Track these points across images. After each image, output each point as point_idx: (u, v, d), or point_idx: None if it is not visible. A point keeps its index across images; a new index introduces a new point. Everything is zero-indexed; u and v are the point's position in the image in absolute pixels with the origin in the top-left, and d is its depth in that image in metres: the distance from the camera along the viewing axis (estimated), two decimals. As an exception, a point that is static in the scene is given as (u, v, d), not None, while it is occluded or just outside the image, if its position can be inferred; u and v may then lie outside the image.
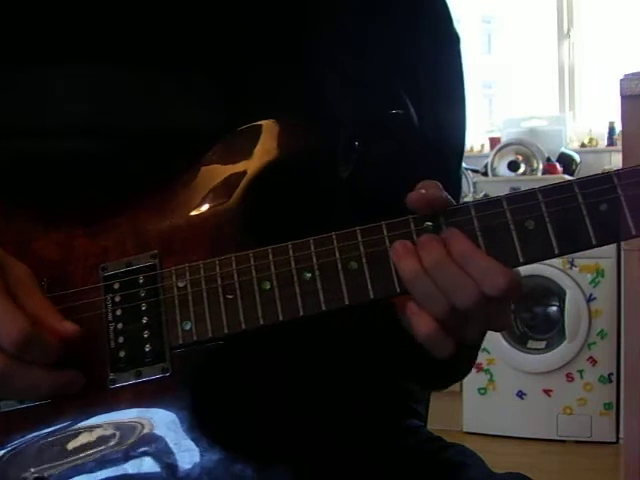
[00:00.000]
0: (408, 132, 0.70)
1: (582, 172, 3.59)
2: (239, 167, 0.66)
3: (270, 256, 0.62)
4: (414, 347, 0.64)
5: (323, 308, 0.61)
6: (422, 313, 0.60)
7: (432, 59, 0.81)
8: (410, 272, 0.60)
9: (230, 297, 0.62)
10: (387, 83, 0.75)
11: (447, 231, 0.60)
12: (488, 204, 0.61)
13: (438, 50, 0.81)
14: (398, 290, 0.61)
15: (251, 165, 0.66)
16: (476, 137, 3.94)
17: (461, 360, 0.74)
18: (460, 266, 0.59)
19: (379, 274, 0.61)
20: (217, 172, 0.67)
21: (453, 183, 0.84)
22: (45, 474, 0.62)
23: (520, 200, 0.60)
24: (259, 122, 0.67)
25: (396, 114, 0.70)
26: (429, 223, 0.61)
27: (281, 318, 0.61)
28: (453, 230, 0.60)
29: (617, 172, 0.59)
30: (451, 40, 0.84)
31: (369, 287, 0.61)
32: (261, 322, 0.62)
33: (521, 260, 0.60)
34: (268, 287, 0.62)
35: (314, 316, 0.61)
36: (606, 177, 0.59)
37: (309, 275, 0.61)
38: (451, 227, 0.60)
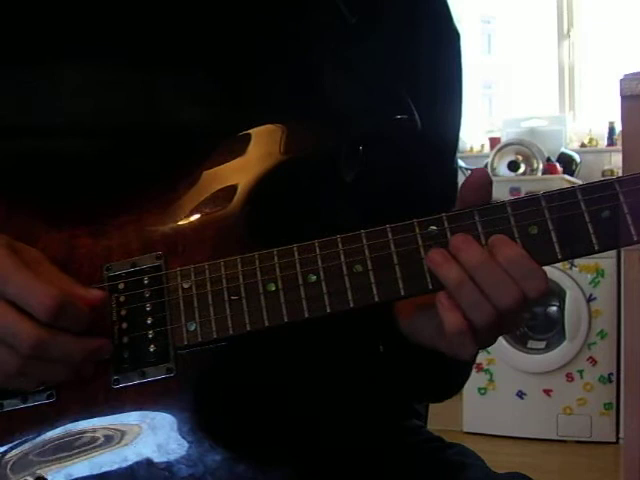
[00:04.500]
0: (412, 138, 0.70)
1: (582, 172, 3.59)
2: (243, 169, 0.67)
3: (275, 258, 0.63)
4: (419, 353, 0.64)
5: (328, 310, 0.61)
6: (455, 310, 0.60)
7: (432, 56, 0.81)
8: (454, 280, 0.59)
9: (235, 298, 0.63)
10: (390, 84, 0.76)
11: (495, 238, 0.60)
12: (492, 209, 0.61)
13: (438, 47, 0.81)
14: (403, 293, 0.61)
15: (254, 168, 0.66)
16: (476, 137, 3.93)
17: (468, 365, 0.75)
18: (504, 269, 0.59)
19: (384, 277, 0.61)
20: (221, 174, 0.67)
21: (451, 177, 0.85)
22: (46, 474, 0.62)
23: (523, 205, 0.61)
24: (262, 126, 0.67)
25: (401, 119, 0.70)
26: (433, 227, 0.61)
27: (286, 320, 0.62)
28: (500, 237, 0.60)
29: (619, 179, 0.60)
30: (451, 37, 0.84)
31: (374, 290, 0.61)
32: (266, 324, 0.62)
33: None
34: (273, 289, 0.62)
35: (318, 318, 0.62)
36: (608, 184, 0.60)
37: (314, 277, 0.62)
38: (499, 234, 0.60)
